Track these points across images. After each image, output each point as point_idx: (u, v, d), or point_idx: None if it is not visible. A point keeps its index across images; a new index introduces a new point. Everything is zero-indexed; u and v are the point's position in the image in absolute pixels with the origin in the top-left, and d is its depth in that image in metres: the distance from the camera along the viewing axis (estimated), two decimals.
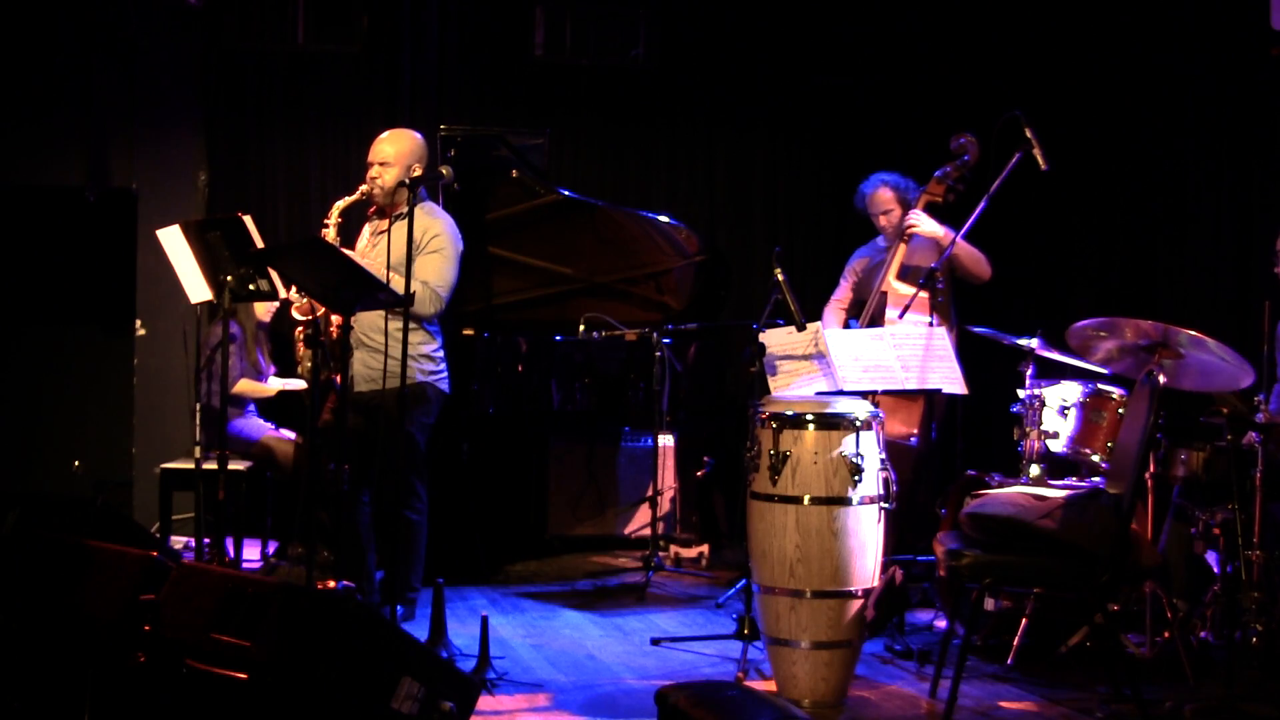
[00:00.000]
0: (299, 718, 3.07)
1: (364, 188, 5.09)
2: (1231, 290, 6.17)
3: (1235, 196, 6.26)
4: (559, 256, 6.52)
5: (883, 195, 5.89)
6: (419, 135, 5.19)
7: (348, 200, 5.08)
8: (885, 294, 5.69)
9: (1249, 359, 4.47)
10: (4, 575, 3.66)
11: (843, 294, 6.15)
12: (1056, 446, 4.92)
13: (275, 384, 6.35)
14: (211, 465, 5.09)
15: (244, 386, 6.20)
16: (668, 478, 6.80)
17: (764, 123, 7.73)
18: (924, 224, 5.67)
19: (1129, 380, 4.71)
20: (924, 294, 5.41)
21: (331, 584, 4.51)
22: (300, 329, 4.96)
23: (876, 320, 5.67)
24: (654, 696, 2.64)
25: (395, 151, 5.08)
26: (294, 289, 4.98)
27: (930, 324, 5.30)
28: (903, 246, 5.73)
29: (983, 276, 5.74)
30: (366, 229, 5.33)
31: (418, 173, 4.99)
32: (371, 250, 5.13)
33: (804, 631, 4.29)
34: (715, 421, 6.84)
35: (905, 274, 5.74)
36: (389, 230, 5.02)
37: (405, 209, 4.88)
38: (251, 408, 6.36)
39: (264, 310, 6.26)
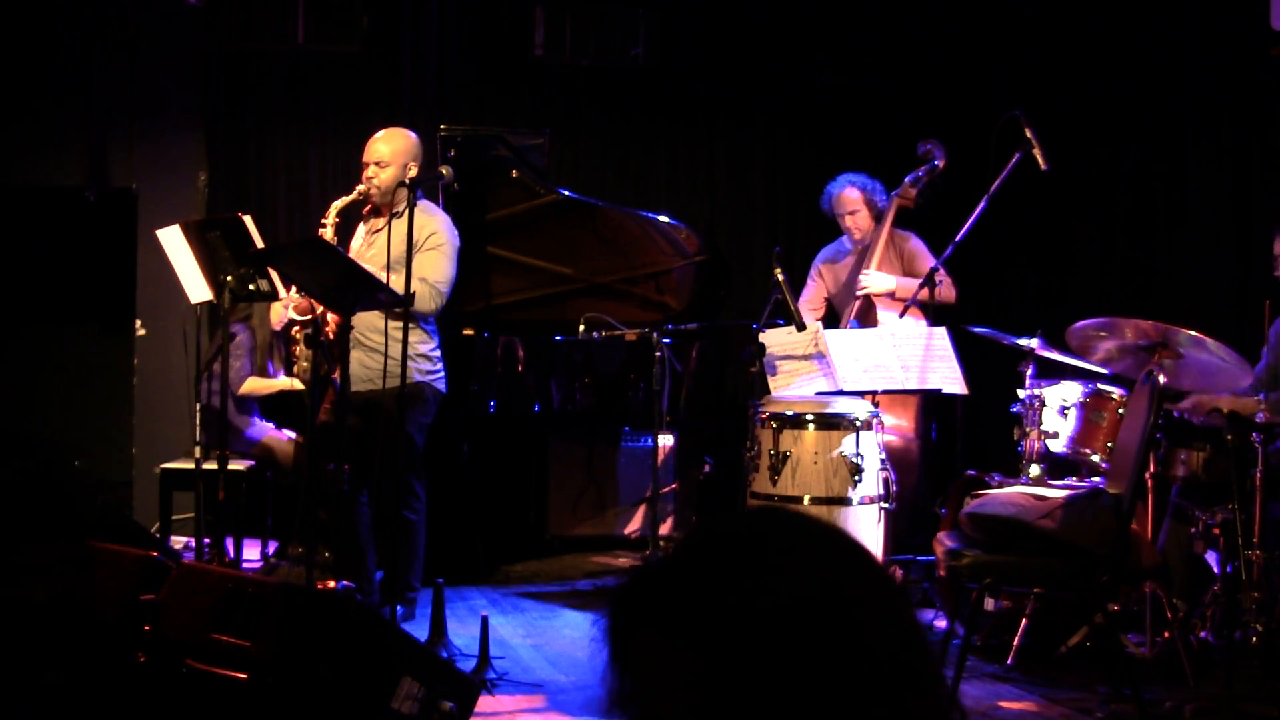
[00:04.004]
0: (299, 718, 3.07)
1: (361, 188, 5.09)
2: (1231, 290, 6.17)
3: (1235, 196, 6.26)
4: (559, 256, 6.52)
5: (849, 195, 5.92)
6: (413, 134, 5.19)
7: (345, 200, 5.08)
8: (867, 298, 5.72)
9: (1249, 359, 4.47)
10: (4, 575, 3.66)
11: (812, 295, 6.16)
12: (1056, 446, 4.92)
13: (282, 379, 6.35)
14: (211, 465, 5.09)
15: (251, 385, 6.20)
16: (668, 478, 6.80)
17: (764, 122, 7.73)
18: (874, 283, 5.70)
19: (1129, 380, 4.71)
20: (923, 294, 5.42)
21: (331, 584, 4.52)
22: (298, 329, 4.96)
23: (862, 323, 5.71)
24: None
25: (391, 151, 5.08)
26: (293, 288, 4.99)
27: (927, 324, 5.32)
28: (880, 249, 5.78)
29: (949, 301, 5.73)
30: (361, 228, 5.33)
31: (414, 171, 5.00)
32: (368, 250, 5.13)
33: None
34: (715, 421, 6.84)
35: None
36: (387, 229, 5.01)
37: (402, 207, 4.89)
38: (257, 413, 6.35)
39: (277, 319, 6.26)
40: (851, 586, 1.07)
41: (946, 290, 5.65)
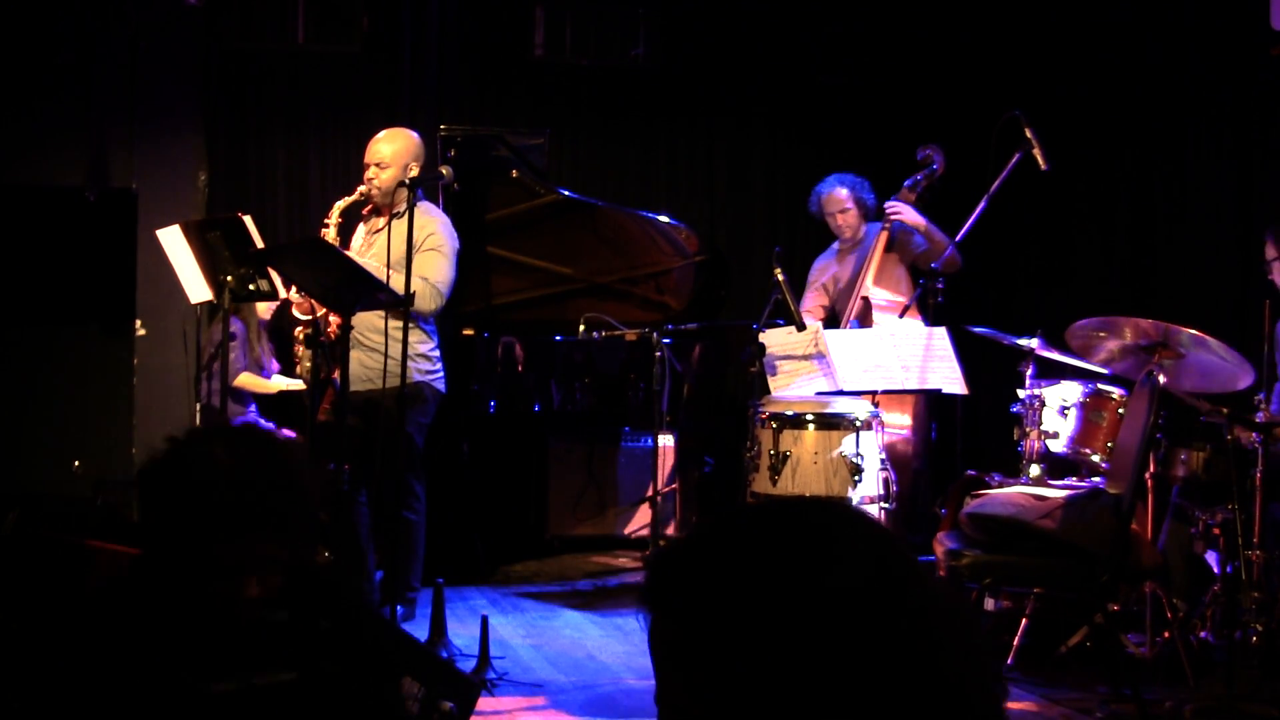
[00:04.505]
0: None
1: (362, 188, 5.09)
2: (1231, 290, 6.17)
3: (1235, 196, 6.26)
4: (559, 256, 6.52)
5: (838, 194, 5.97)
6: (415, 134, 5.19)
7: (347, 201, 5.09)
8: (865, 299, 5.73)
9: (1249, 359, 4.47)
10: (4, 575, 3.66)
11: (813, 304, 6.17)
12: (1056, 446, 4.92)
13: (278, 381, 6.35)
14: None
15: (245, 380, 6.19)
16: (667, 478, 6.80)
17: (764, 122, 7.73)
18: (907, 212, 5.73)
19: (1129, 380, 4.71)
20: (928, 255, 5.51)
21: None
22: (300, 329, 4.97)
23: (861, 324, 5.72)
24: None
25: (392, 151, 5.08)
26: (294, 289, 4.99)
27: (926, 324, 5.32)
28: (879, 249, 5.79)
29: (955, 267, 5.73)
30: (361, 228, 5.33)
31: (415, 171, 5.00)
32: (367, 250, 5.13)
33: None
34: (715, 421, 6.84)
35: (881, 278, 5.81)
36: (388, 229, 5.02)
37: (402, 208, 4.89)
38: (253, 407, 6.36)
39: (265, 309, 6.27)
40: (884, 579, 0.99)
41: (953, 258, 5.66)
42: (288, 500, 1.97)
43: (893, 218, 5.76)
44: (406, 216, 4.71)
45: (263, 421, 6.33)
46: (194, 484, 1.92)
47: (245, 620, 1.94)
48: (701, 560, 1.02)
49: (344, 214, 5.08)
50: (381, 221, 5.13)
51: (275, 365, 6.43)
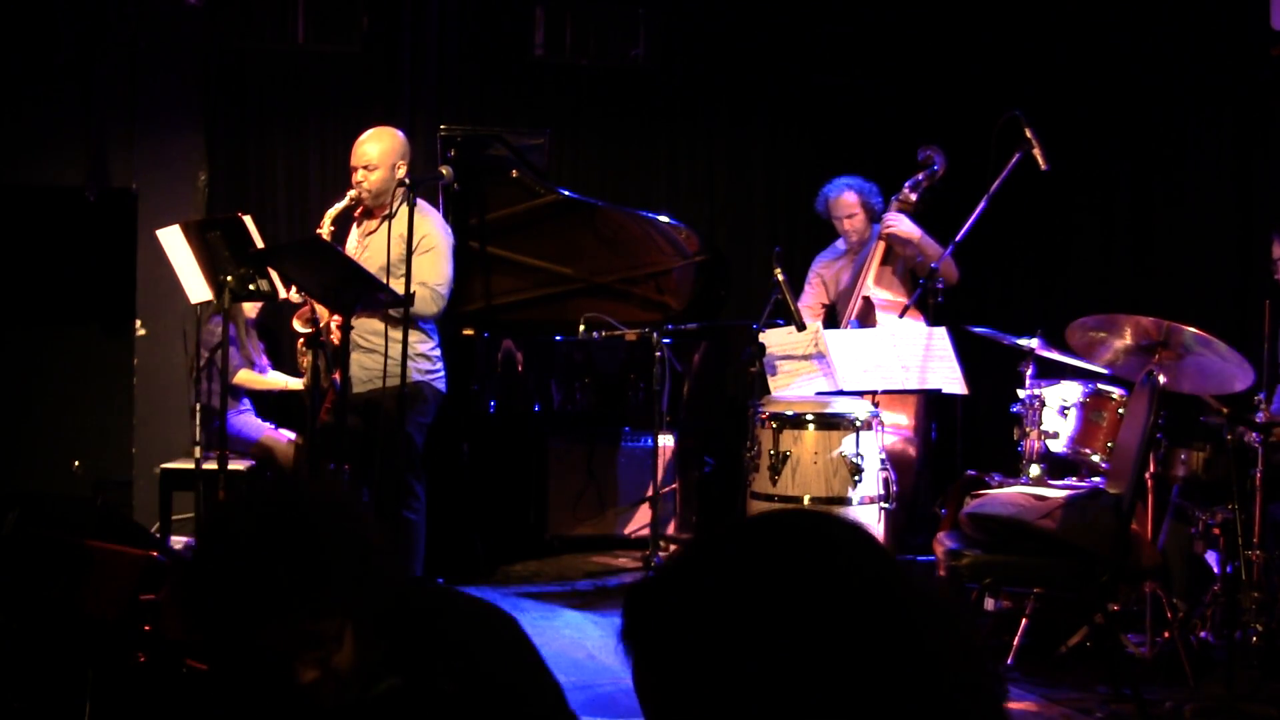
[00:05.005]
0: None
1: (352, 193, 5.09)
2: (1231, 290, 6.17)
3: (1235, 196, 6.26)
4: (559, 256, 6.52)
5: (847, 199, 5.98)
6: (400, 132, 5.19)
7: (339, 208, 5.09)
8: (867, 299, 5.73)
9: (1249, 359, 4.47)
10: (4, 575, 3.66)
11: (812, 300, 6.18)
12: (1056, 446, 4.92)
13: (276, 378, 6.34)
14: (211, 465, 5.09)
15: (243, 377, 6.19)
16: (668, 478, 6.80)
17: (763, 122, 7.73)
18: (902, 225, 5.73)
19: (1129, 380, 4.71)
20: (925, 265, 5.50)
21: None
22: (302, 340, 4.97)
23: (861, 324, 5.72)
24: None
25: (379, 152, 5.08)
26: (294, 290, 4.99)
27: (927, 324, 5.32)
28: (880, 251, 5.79)
29: (952, 279, 5.74)
30: (354, 231, 5.32)
31: (403, 170, 5.00)
32: (362, 253, 5.13)
33: None
34: (715, 421, 6.84)
35: (882, 279, 5.81)
36: (386, 231, 5.01)
37: (397, 205, 4.89)
38: (246, 403, 6.35)
39: (251, 307, 6.27)
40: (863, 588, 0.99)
41: (950, 269, 5.66)
42: (322, 567, 1.69)
43: (887, 232, 5.76)
44: (404, 217, 4.71)
45: (261, 422, 6.33)
46: (215, 573, 1.71)
47: (321, 706, 1.72)
48: (688, 590, 1.00)
49: (336, 220, 5.07)
50: (375, 223, 5.12)
51: (266, 361, 6.43)
